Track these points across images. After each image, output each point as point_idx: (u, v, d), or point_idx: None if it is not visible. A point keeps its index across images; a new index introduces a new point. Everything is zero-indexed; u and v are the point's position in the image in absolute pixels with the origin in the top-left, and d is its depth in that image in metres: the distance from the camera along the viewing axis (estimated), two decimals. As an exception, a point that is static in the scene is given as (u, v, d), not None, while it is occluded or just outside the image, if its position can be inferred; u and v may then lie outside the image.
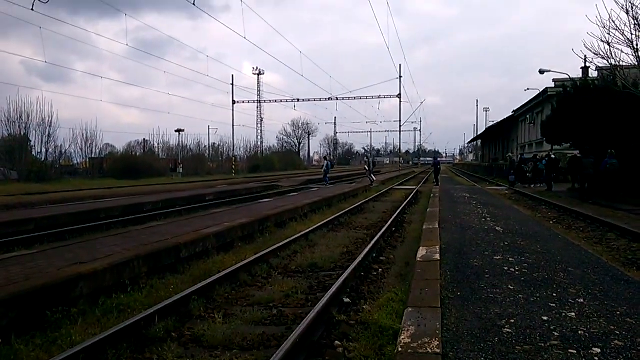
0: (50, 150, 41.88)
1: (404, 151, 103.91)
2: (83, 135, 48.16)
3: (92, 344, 4.20)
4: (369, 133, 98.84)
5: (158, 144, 61.65)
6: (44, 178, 34.86)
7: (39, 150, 40.48)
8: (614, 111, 18.36)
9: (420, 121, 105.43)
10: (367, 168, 31.26)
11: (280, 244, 9.17)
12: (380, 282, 7.06)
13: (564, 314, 4.39)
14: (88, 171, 46.70)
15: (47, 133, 40.67)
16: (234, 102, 52.25)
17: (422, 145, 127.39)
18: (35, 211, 14.00)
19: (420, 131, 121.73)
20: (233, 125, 54.17)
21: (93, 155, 49.69)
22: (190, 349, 4.62)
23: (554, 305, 4.68)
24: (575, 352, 3.52)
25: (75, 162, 49.29)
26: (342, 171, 65.36)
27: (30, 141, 39.76)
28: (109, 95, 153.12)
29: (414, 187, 27.54)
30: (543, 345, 3.66)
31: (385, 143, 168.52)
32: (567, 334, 3.87)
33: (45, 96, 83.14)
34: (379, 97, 53.95)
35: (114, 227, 12.38)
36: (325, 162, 32.81)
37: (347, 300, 5.96)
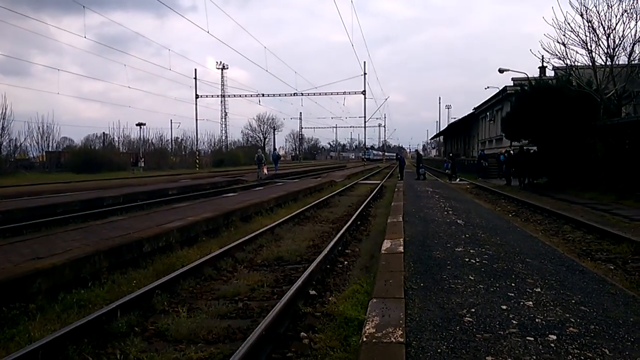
0: (4, 143, 40.57)
1: (369, 146, 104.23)
2: (39, 128, 46.84)
3: (51, 339, 4.08)
4: (335, 129, 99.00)
5: (118, 138, 60.41)
6: (-3, 172, 33.61)
7: (-8, 144, 39.12)
8: (567, 110, 19.14)
9: (385, 117, 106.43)
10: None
11: (246, 237, 9.12)
12: (345, 274, 7.13)
13: (522, 303, 4.54)
14: (45, 165, 45.34)
15: (0, 126, 39.34)
16: (197, 96, 51.55)
17: (387, 141, 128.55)
18: (-12, 206, 13.44)
19: (385, 127, 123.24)
20: (196, 119, 53.11)
21: (50, 149, 48.28)
22: (154, 343, 4.55)
23: (512, 294, 4.83)
24: (532, 339, 3.65)
25: (32, 155, 47.83)
26: (308, 166, 65.31)
27: (-18, 134, 38.34)
28: (69, 89, 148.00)
29: (379, 182, 27.84)
30: (502, 332, 3.78)
31: (351, 138, 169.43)
32: (525, 322, 4.01)
33: (-1, 89, 79.76)
34: (344, 93, 54.39)
35: (73, 221, 12.02)
36: (257, 154, 32.46)
37: (312, 292, 6.00)
